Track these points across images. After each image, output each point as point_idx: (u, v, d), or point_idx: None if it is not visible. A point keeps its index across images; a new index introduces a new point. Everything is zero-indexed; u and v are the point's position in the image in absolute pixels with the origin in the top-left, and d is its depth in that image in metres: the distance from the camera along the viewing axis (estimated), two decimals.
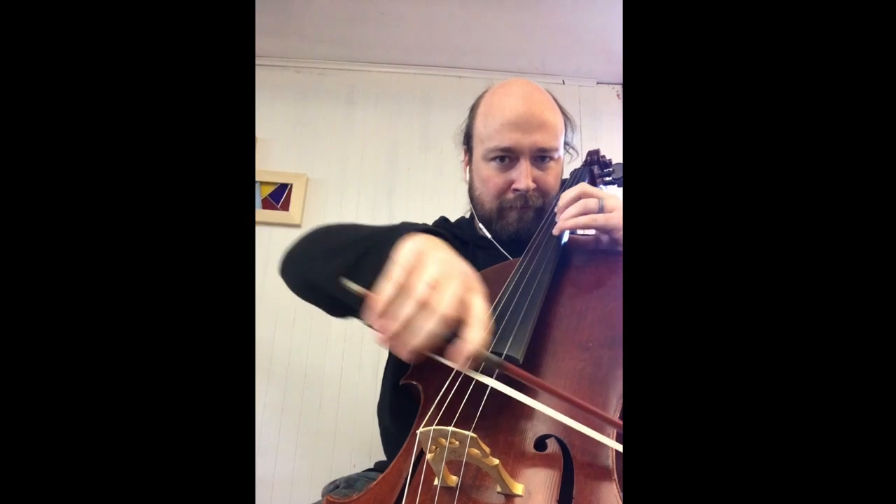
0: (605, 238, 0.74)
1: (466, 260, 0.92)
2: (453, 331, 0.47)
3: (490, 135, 0.87)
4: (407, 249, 0.50)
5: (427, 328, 0.46)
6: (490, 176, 0.88)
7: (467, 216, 1.03)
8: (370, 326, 0.50)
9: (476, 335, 0.46)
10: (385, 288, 0.47)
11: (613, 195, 0.75)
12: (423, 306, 0.46)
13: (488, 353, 0.47)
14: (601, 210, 0.72)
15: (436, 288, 0.47)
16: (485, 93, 0.95)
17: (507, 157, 0.86)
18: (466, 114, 0.98)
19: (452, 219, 1.03)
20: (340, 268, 0.60)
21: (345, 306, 0.63)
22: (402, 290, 0.47)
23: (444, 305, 0.46)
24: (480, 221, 0.94)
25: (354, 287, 0.49)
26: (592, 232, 0.76)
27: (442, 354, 0.49)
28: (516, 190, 0.87)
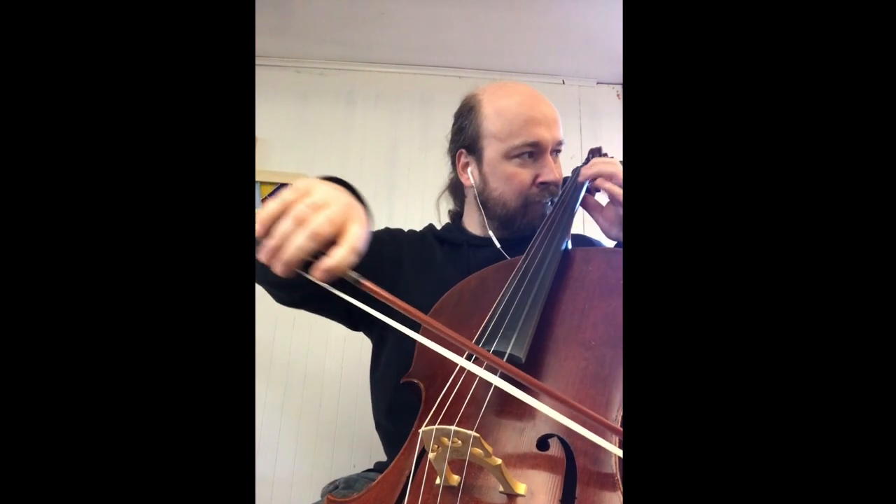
0: (615, 211, 0.82)
1: (462, 260, 0.92)
2: (324, 250, 0.50)
3: (514, 132, 0.88)
4: (301, 181, 0.55)
5: (297, 242, 0.49)
6: (515, 173, 0.89)
7: (451, 222, 1.03)
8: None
9: (340, 253, 0.49)
10: (270, 205, 0.51)
11: None
12: (299, 223, 0.50)
13: (350, 273, 0.50)
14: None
15: (315, 209, 0.51)
16: (475, 97, 0.95)
17: (533, 153, 0.88)
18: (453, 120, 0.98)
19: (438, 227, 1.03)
20: None
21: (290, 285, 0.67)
22: (286, 210, 0.51)
23: (317, 223, 0.50)
24: (497, 222, 0.92)
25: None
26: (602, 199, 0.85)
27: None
28: (543, 183, 0.88)
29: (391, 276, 0.87)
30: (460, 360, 0.51)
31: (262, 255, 0.51)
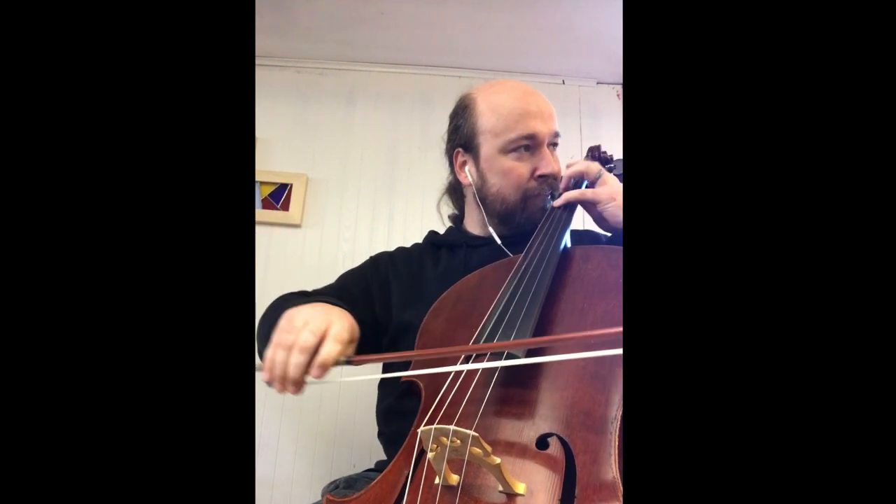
0: (593, 212, 0.82)
1: (459, 262, 0.93)
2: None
3: (509, 126, 0.88)
4: (283, 317, 0.63)
5: (293, 362, 0.57)
6: (513, 167, 0.89)
7: (452, 225, 1.04)
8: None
9: (325, 349, 0.57)
10: (268, 352, 0.60)
11: (613, 176, 0.84)
12: (289, 349, 0.58)
13: (341, 359, 0.58)
14: (599, 177, 0.82)
15: (297, 331, 0.58)
16: (469, 96, 0.96)
17: (529, 146, 0.88)
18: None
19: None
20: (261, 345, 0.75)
21: None
22: (278, 347, 0.59)
23: (302, 340, 0.57)
24: (497, 219, 0.92)
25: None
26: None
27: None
28: (541, 176, 0.88)
29: (382, 297, 0.89)
30: (463, 367, 0.53)
31: (277, 389, 0.59)
